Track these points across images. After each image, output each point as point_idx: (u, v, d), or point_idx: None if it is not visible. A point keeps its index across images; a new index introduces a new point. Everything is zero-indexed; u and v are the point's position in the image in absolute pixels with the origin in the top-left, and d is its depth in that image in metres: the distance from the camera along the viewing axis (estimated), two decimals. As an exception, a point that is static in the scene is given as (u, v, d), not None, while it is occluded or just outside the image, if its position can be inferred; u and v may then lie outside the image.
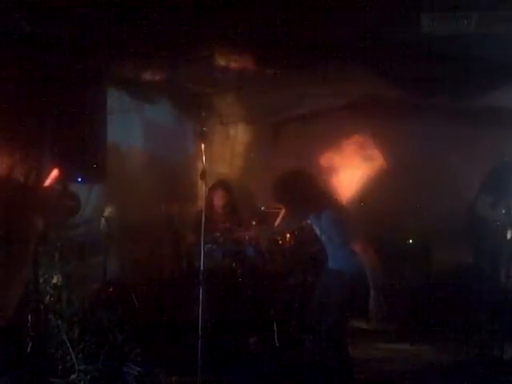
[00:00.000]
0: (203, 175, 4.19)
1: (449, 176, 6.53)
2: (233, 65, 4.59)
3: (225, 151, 7.42)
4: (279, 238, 5.71)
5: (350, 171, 7.15)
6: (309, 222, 4.60)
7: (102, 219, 5.01)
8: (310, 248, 5.18)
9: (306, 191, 4.14)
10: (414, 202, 6.53)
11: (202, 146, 4.24)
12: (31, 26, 3.40)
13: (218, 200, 5.74)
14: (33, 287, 3.49)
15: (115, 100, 5.26)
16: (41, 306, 3.67)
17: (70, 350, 4.06)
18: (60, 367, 4.06)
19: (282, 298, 5.56)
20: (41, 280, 3.95)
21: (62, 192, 1.64)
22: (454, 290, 6.04)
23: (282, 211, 5.07)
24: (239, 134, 7.48)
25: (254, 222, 5.75)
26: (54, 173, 1.58)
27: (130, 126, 5.77)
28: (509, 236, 4.98)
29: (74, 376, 4.02)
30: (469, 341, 5.51)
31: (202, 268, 4.20)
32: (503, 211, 5.25)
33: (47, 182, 1.56)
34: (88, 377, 4.05)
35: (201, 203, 4.22)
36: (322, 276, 4.54)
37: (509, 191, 5.25)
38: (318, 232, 4.32)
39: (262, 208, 6.65)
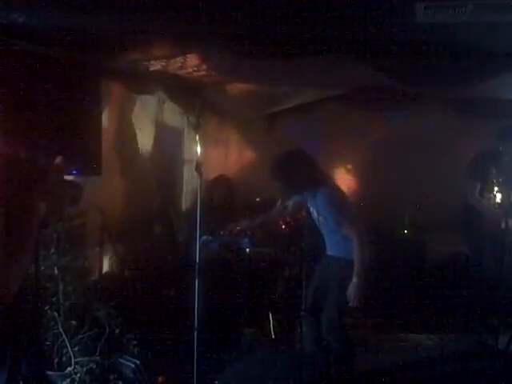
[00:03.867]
0: (198, 167, 4.19)
1: (445, 165, 6.53)
2: (227, 56, 4.58)
3: (220, 143, 7.40)
4: (275, 229, 5.73)
5: (346, 161, 7.18)
6: (305, 210, 4.64)
7: (98, 211, 5.01)
8: (307, 237, 5.18)
9: (302, 169, 4.27)
10: (410, 192, 6.55)
11: (197, 137, 4.23)
12: (25, 17, 3.37)
13: (213, 191, 5.74)
14: (33, 277, 3.48)
15: (110, 92, 5.25)
16: (38, 298, 3.66)
17: (67, 342, 4.06)
18: (56, 360, 4.06)
19: (278, 290, 5.57)
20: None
21: (64, 180, 1.65)
22: (449, 280, 6.08)
23: (278, 201, 5.07)
24: (234, 125, 7.46)
25: (249, 213, 5.75)
26: (57, 162, 1.59)
27: (125, 118, 5.75)
28: (502, 225, 4.99)
29: (70, 368, 4.02)
30: (465, 331, 5.55)
31: (197, 260, 4.20)
32: (491, 198, 5.27)
33: (49, 170, 1.57)
34: (84, 369, 4.05)
35: (196, 195, 4.21)
36: (319, 263, 4.58)
37: (494, 178, 5.27)
38: (314, 215, 4.38)
39: (258, 199, 6.66)
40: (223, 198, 5.82)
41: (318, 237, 4.55)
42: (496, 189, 5.31)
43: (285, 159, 4.37)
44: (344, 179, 7.26)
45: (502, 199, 5.28)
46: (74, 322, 4.16)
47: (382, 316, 5.95)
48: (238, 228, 5.15)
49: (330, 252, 4.46)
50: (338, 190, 4.44)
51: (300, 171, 4.28)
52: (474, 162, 5.65)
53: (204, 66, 4.85)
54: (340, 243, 4.31)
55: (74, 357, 4.05)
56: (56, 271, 4.20)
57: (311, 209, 4.44)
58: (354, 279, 4.10)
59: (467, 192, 5.55)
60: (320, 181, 4.30)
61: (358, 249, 4.12)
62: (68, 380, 3.98)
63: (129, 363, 4.25)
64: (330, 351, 4.40)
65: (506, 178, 5.30)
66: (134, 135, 5.94)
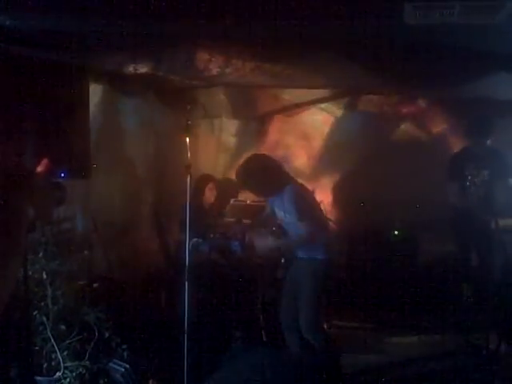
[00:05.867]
0: (188, 169, 4.18)
1: (433, 165, 6.54)
2: (218, 58, 4.57)
3: (209, 145, 7.38)
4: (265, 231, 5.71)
5: (336, 163, 7.18)
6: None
7: (87, 215, 4.98)
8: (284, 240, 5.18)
9: (267, 173, 4.39)
10: (398, 192, 6.55)
11: (187, 139, 4.22)
12: (11, 20, 3.35)
13: (203, 194, 5.72)
14: (22, 281, 3.45)
15: (98, 94, 5.22)
16: (26, 303, 3.63)
17: (56, 347, 4.02)
18: (45, 365, 4.02)
19: (268, 292, 5.55)
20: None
21: (49, 182, 1.64)
22: (438, 279, 6.10)
23: (267, 204, 5.06)
24: (224, 127, 7.44)
25: (239, 216, 5.73)
26: (42, 165, 1.58)
27: (114, 121, 5.72)
28: (486, 223, 5.00)
29: (59, 373, 3.99)
30: (454, 330, 5.56)
31: (187, 263, 4.18)
32: (469, 198, 5.28)
33: (35, 173, 1.56)
34: (74, 374, 4.02)
35: (186, 197, 4.19)
36: (291, 266, 4.68)
37: (470, 175, 5.28)
38: (281, 215, 4.45)
39: (248, 201, 6.64)
40: (213, 201, 5.80)
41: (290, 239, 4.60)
42: (474, 185, 5.30)
43: (247, 166, 4.46)
44: (333, 181, 7.28)
45: (481, 196, 5.27)
46: (62, 327, 4.13)
47: (372, 316, 5.96)
48: (228, 231, 5.14)
49: (300, 254, 4.52)
50: (302, 188, 4.54)
51: (265, 175, 4.38)
52: (451, 163, 5.68)
53: (193, 68, 4.84)
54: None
55: (63, 361, 4.02)
56: (44, 275, 4.16)
57: (279, 212, 4.48)
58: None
59: (448, 192, 5.58)
60: (286, 182, 4.40)
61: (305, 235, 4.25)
62: (57, 385, 3.95)
63: (118, 367, 4.22)
64: (312, 352, 4.44)
65: (483, 174, 5.31)
66: (123, 138, 5.91)
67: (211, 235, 5.35)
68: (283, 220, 4.49)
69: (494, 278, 5.04)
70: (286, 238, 4.59)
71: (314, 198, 4.75)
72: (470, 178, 5.09)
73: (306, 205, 4.34)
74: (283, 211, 4.39)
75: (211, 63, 4.66)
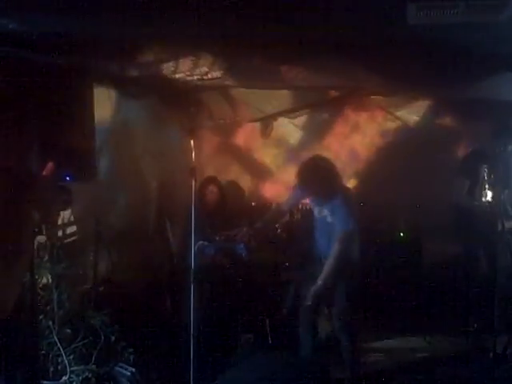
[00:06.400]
0: (193, 172, 4.17)
1: (440, 166, 6.50)
2: (221, 61, 4.57)
3: (214, 147, 7.37)
4: (271, 233, 5.71)
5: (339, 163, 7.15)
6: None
7: (92, 218, 4.97)
8: (304, 241, 5.20)
9: (327, 174, 4.58)
10: (406, 194, 6.52)
11: (192, 142, 4.22)
12: (14, 23, 3.35)
13: (208, 197, 5.71)
14: (28, 285, 3.45)
15: (103, 97, 5.22)
16: (33, 307, 3.63)
17: (62, 351, 4.02)
18: (51, 369, 4.02)
19: (274, 295, 5.54)
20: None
21: (54, 185, 1.64)
22: (445, 281, 6.07)
23: (273, 205, 5.08)
24: (229, 130, 7.43)
25: (244, 218, 5.73)
26: (47, 168, 1.58)
27: (118, 123, 5.72)
28: (492, 225, 4.98)
29: (65, 377, 3.99)
30: (462, 332, 5.53)
31: (193, 265, 4.17)
32: (480, 197, 5.26)
33: (41, 177, 1.56)
34: (80, 378, 4.02)
35: (191, 200, 4.19)
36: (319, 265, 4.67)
37: (482, 179, 5.26)
38: (324, 214, 4.66)
39: (253, 204, 6.63)
40: (218, 204, 5.79)
41: (316, 241, 4.73)
42: (486, 188, 5.28)
43: (311, 165, 4.65)
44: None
45: (491, 199, 5.25)
46: (68, 331, 4.13)
47: (378, 318, 5.93)
48: (234, 233, 5.14)
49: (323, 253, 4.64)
50: (351, 192, 4.99)
51: (324, 176, 4.57)
52: (466, 160, 5.65)
53: (197, 70, 4.84)
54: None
55: (70, 365, 4.02)
56: (50, 279, 4.16)
57: (324, 211, 4.66)
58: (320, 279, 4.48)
59: (455, 190, 5.55)
60: (340, 185, 4.72)
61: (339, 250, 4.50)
62: (63, 389, 3.95)
63: (125, 371, 4.22)
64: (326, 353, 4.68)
65: (498, 178, 5.28)
66: (128, 141, 5.91)
67: (217, 238, 5.35)
68: (324, 219, 4.66)
69: (500, 280, 5.01)
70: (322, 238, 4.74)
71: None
72: (485, 179, 5.08)
73: (354, 208, 4.62)
74: (331, 212, 4.58)
75: (214, 65, 4.65)
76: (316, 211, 4.79)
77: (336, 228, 4.55)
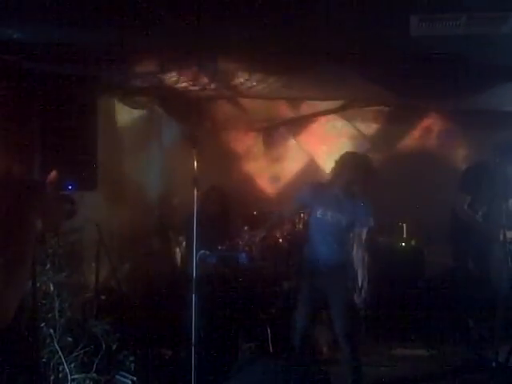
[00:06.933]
0: (195, 181, 4.18)
1: (441, 177, 6.51)
2: (224, 70, 4.59)
3: (216, 157, 7.38)
4: (272, 242, 5.71)
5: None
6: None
7: (94, 227, 4.98)
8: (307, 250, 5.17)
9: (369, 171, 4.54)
10: (407, 206, 6.52)
11: (194, 151, 4.23)
12: (19, 33, 3.37)
13: (210, 206, 5.72)
14: (30, 293, 3.45)
15: (106, 107, 5.24)
16: (34, 315, 3.63)
17: (63, 359, 4.02)
18: (52, 377, 4.01)
19: (275, 304, 5.53)
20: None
21: (58, 194, 1.64)
22: (445, 292, 6.05)
23: (274, 214, 5.07)
24: (231, 139, 7.45)
25: (246, 227, 5.72)
26: (50, 177, 1.58)
27: (121, 133, 5.74)
28: (491, 238, 4.99)
29: (66, 386, 3.98)
30: (463, 343, 5.52)
31: (194, 274, 4.17)
32: (480, 211, 5.27)
33: (44, 185, 1.56)
34: (81, 386, 4.02)
35: (193, 210, 4.19)
36: (320, 274, 4.60)
37: (484, 191, 5.26)
38: (343, 221, 4.51)
39: (255, 213, 6.63)
40: (220, 213, 5.80)
41: (319, 249, 4.61)
42: (486, 202, 5.29)
43: (360, 161, 4.55)
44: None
45: (491, 213, 5.26)
46: (70, 339, 4.12)
47: (380, 328, 5.91)
48: (236, 242, 5.15)
49: (331, 259, 4.55)
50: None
51: (369, 175, 4.53)
52: (465, 175, 5.65)
53: (200, 80, 4.86)
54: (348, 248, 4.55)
55: (71, 374, 4.01)
56: (52, 287, 4.16)
57: (337, 215, 4.51)
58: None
59: (456, 204, 5.55)
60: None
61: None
62: (64, 398, 3.94)
63: (126, 380, 4.21)
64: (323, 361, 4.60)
65: (497, 192, 5.26)
66: (130, 150, 5.93)
67: (218, 247, 5.35)
68: (335, 224, 4.54)
69: (503, 290, 5.00)
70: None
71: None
72: (484, 193, 5.08)
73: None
74: (350, 212, 4.50)
75: (218, 75, 4.68)
76: (328, 216, 4.57)
77: (355, 229, 4.51)
